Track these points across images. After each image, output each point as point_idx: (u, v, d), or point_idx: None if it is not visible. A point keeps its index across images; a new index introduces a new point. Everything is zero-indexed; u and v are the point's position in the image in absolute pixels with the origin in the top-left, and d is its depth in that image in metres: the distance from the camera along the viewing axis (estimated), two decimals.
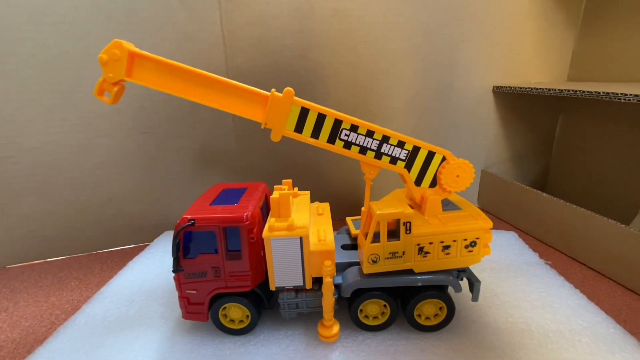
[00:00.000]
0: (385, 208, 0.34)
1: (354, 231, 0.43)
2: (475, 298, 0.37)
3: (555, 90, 0.57)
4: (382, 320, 0.38)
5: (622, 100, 0.45)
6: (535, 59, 0.73)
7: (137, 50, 0.32)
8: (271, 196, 0.37)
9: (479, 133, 0.75)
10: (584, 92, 0.51)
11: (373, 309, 0.37)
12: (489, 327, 0.38)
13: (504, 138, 0.77)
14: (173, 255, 0.34)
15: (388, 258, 0.34)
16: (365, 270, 0.35)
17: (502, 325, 0.38)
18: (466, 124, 0.74)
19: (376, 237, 0.34)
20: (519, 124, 0.76)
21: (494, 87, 0.71)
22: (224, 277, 0.35)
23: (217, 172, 0.67)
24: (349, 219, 0.46)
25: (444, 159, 0.37)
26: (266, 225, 0.35)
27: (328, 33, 0.61)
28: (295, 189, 0.44)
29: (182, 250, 0.35)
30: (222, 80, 0.33)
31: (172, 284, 0.43)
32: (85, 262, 0.61)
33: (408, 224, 0.34)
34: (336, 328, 0.36)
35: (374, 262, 0.34)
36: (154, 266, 0.53)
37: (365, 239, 0.34)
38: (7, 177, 0.57)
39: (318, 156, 0.58)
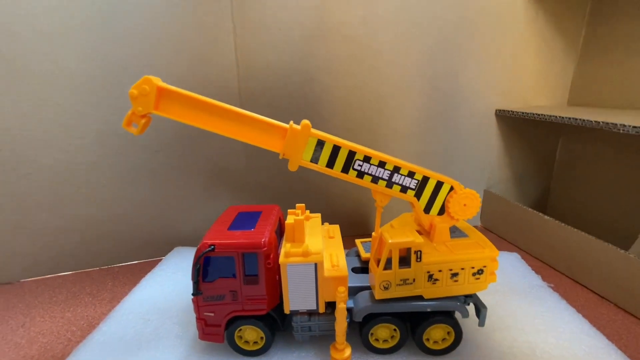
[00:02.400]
0: (397, 237, 0.35)
1: (364, 254, 0.44)
2: (481, 323, 0.38)
3: (555, 117, 0.59)
4: (392, 343, 0.39)
5: (622, 132, 0.47)
6: (536, 83, 0.75)
7: (165, 85, 0.34)
8: (286, 221, 0.39)
9: (482, 154, 0.77)
10: (583, 120, 0.53)
11: (383, 333, 0.39)
12: (494, 351, 0.39)
13: (506, 159, 0.79)
14: (193, 279, 0.36)
15: (399, 285, 0.36)
16: (377, 296, 0.36)
17: (506, 349, 0.40)
18: (469, 146, 0.76)
19: (388, 264, 0.35)
20: (520, 145, 0.78)
21: (496, 110, 0.74)
22: (241, 300, 0.37)
23: (227, 190, 0.69)
24: (358, 242, 0.48)
25: (452, 188, 0.39)
26: (282, 251, 0.37)
27: (336, 58, 0.64)
28: (307, 211, 0.46)
29: (202, 274, 0.36)
30: (243, 113, 0.35)
31: (186, 302, 0.44)
32: (97, 276, 0.62)
33: (419, 253, 0.35)
34: (348, 351, 0.37)
35: (386, 288, 0.36)
36: (166, 283, 0.54)
37: (377, 266, 0.36)
38: (24, 193, 0.58)
39: (326, 175, 0.61)
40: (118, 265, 0.66)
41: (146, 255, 0.67)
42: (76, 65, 0.55)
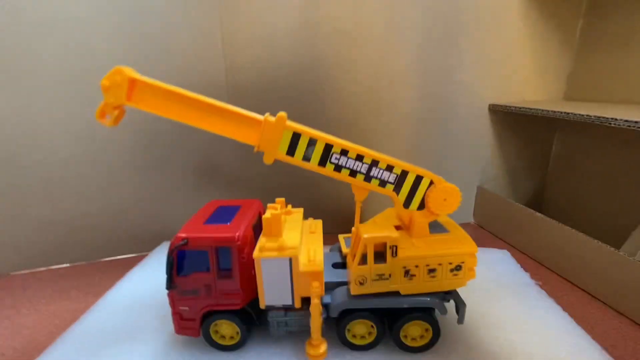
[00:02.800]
0: (372, 231, 0.35)
1: (344, 249, 0.44)
2: (460, 321, 0.37)
3: (548, 111, 0.58)
4: (369, 340, 0.38)
5: (613, 125, 0.46)
6: (532, 77, 0.73)
7: (137, 76, 0.33)
8: (263, 216, 0.38)
9: (475, 150, 0.76)
10: (575, 114, 0.51)
11: (360, 329, 0.38)
12: (474, 349, 0.39)
13: (500, 155, 0.77)
14: (167, 272, 0.36)
15: (375, 280, 0.35)
16: (353, 292, 0.36)
17: (487, 347, 0.39)
18: (462, 141, 0.75)
19: (363, 259, 0.35)
20: (515, 141, 0.76)
21: (490, 105, 0.72)
22: (216, 295, 0.36)
23: (215, 184, 0.68)
24: (341, 237, 0.47)
25: (431, 182, 0.38)
26: (257, 246, 0.36)
27: (326, 52, 0.63)
28: (289, 206, 0.45)
29: (176, 268, 0.36)
30: (216, 104, 0.35)
31: (167, 297, 0.44)
32: (86, 270, 0.62)
33: (394, 248, 0.34)
34: (323, 347, 0.37)
35: (362, 283, 0.35)
36: (150, 278, 0.54)
37: (353, 261, 0.35)
38: (14, 187, 0.59)
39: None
40: (107, 259, 0.66)
41: (135, 250, 0.67)
42: (65, 61, 0.56)
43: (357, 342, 0.38)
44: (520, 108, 0.64)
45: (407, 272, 0.35)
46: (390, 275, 0.35)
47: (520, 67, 0.73)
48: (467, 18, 0.67)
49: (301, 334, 0.40)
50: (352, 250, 0.37)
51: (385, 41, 0.65)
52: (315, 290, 0.35)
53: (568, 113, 0.54)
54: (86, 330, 0.43)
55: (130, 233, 0.66)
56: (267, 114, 0.35)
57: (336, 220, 0.70)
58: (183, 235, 0.35)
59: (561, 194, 0.78)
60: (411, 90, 0.69)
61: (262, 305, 0.37)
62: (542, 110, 0.59)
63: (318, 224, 0.47)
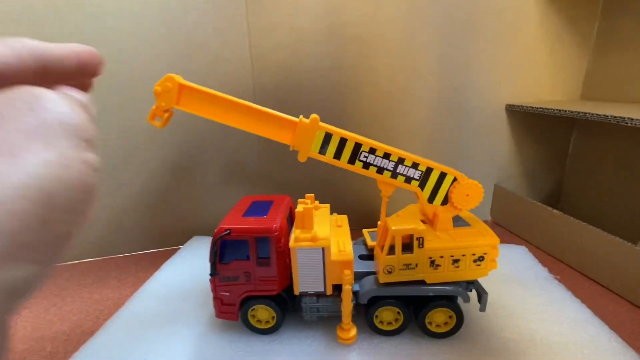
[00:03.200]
0: (399, 224, 0.37)
1: (370, 242, 0.47)
2: (482, 308, 0.40)
3: (565, 111, 0.59)
4: (395, 326, 0.41)
5: (629, 125, 0.47)
6: (548, 77, 0.75)
7: (186, 82, 0.37)
8: (296, 209, 0.41)
9: (492, 149, 0.78)
10: (592, 114, 0.53)
11: (388, 316, 0.41)
12: (495, 336, 0.41)
13: (517, 154, 0.79)
14: (211, 260, 0.39)
15: (402, 269, 0.38)
16: (381, 280, 0.38)
17: (508, 335, 0.41)
18: (480, 140, 0.76)
19: (391, 250, 0.37)
20: (532, 140, 0.78)
21: (507, 105, 0.74)
22: (254, 281, 0.40)
23: (241, 182, 0.72)
24: (365, 231, 0.50)
25: (455, 179, 0.40)
26: (292, 236, 0.39)
27: (348, 55, 0.66)
28: (316, 201, 0.48)
29: (219, 256, 0.39)
30: (256, 108, 0.38)
31: (202, 285, 0.47)
32: (122, 263, 0.67)
33: (421, 239, 0.37)
34: (353, 331, 0.40)
35: (389, 272, 0.38)
36: (185, 269, 0.58)
37: (382, 252, 0.38)
38: None
39: (335, 169, 0.64)
40: (141, 253, 0.70)
41: (167, 244, 0.71)
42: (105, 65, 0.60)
43: (385, 327, 0.41)
44: (537, 108, 0.66)
45: (432, 262, 0.38)
46: (416, 265, 0.38)
47: (537, 68, 0.74)
48: (483, 20, 0.69)
49: (331, 320, 0.43)
50: (380, 242, 0.40)
51: (404, 44, 0.68)
52: (347, 278, 0.37)
53: (585, 113, 0.55)
54: (130, 316, 0.47)
55: (162, 228, 0.70)
56: (301, 116, 0.38)
57: (356, 216, 0.73)
58: (226, 226, 0.39)
59: (578, 192, 0.78)
60: (428, 92, 0.71)
61: (296, 292, 0.40)
62: (559, 110, 0.60)
63: (344, 219, 0.50)
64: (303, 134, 0.38)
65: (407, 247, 0.38)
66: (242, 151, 0.70)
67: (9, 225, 0.12)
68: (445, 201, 0.41)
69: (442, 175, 0.40)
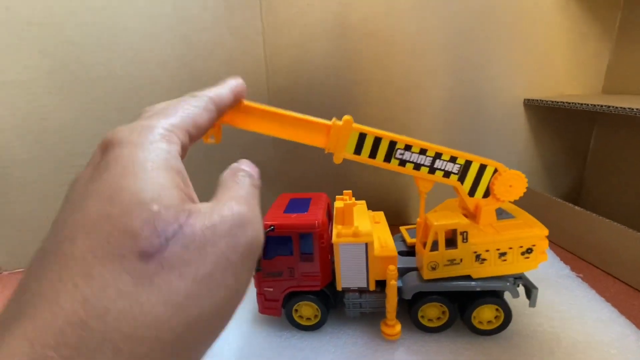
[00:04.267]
0: (442, 219, 0.37)
1: (409, 239, 0.46)
2: (532, 304, 0.38)
3: (587, 105, 0.55)
4: (440, 322, 0.40)
5: None
6: (569, 70, 0.71)
7: None
8: (336, 205, 0.42)
9: (509, 145, 0.74)
10: (616, 107, 0.50)
11: (432, 312, 0.40)
12: (519, 334, 0.39)
13: (535, 149, 0.75)
14: (259, 257, 0.40)
15: (446, 265, 0.38)
16: (425, 276, 0.38)
17: (531, 333, 0.40)
18: (497, 136, 0.74)
19: (434, 246, 0.37)
20: (551, 135, 0.74)
21: (524, 99, 0.71)
22: (297, 276, 0.40)
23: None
24: (402, 228, 0.50)
25: (496, 170, 0.40)
26: (334, 232, 0.40)
27: (360, 53, 0.66)
28: (353, 198, 0.48)
29: (263, 252, 0.40)
30: (290, 115, 0.38)
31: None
32: None
33: (465, 234, 0.37)
34: (398, 327, 0.39)
35: (434, 268, 0.38)
36: None
37: (424, 248, 0.38)
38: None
39: (350, 164, 0.67)
40: None
41: None
42: (121, 68, 0.61)
43: (429, 324, 0.40)
44: (556, 102, 0.62)
45: (478, 257, 0.37)
46: (461, 260, 0.37)
47: (557, 61, 0.71)
48: (499, 12, 0.66)
49: (373, 316, 0.43)
50: (422, 238, 0.40)
51: (417, 40, 0.67)
52: (392, 273, 0.37)
53: (609, 106, 0.52)
54: None
55: None
56: (334, 119, 0.38)
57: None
58: (270, 222, 0.40)
59: (600, 188, 0.74)
60: (442, 88, 0.70)
61: (339, 287, 0.41)
62: (579, 104, 0.57)
63: (381, 215, 0.50)
64: (337, 136, 0.38)
65: (451, 242, 0.38)
66: (256, 148, 0.70)
67: None
68: (487, 193, 0.40)
69: (482, 168, 0.39)
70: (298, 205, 0.44)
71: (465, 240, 0.37)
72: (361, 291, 0.41)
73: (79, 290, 0.13)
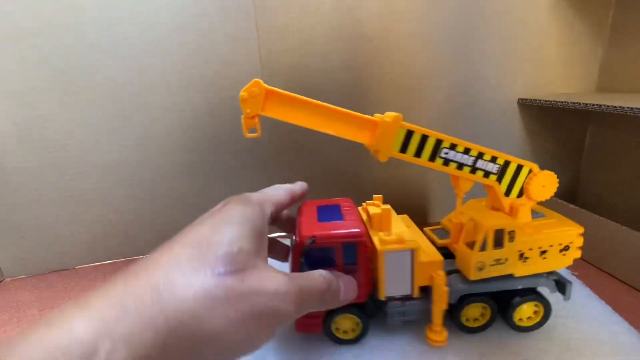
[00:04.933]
0: (490, 219, 0.37)
1: (438, 241, 0.46)
2: (568, 297, 0.40)
3: (579, 104, 0.58)
4: (482, 321, 0.40)
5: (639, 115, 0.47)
6: (562, 69, 0.76)
7: (272, 88, 0.35)
8: (371, 211, 0.40)
9: (505, 144, 0.79)
10: (607, 106, 0.52)
11: (474, 313, 0.40)
12: (510, 332, 0.40)
13: (531, 148, 0.80)
14: (295, 272, 0.37)
15: (492, 265, 0.37)
16: (472, 277, 0.38)
17: (524, 332, 0.40)
18: (492, 136, 0.77)
19: (482, 246, 0.37)
20: (546, 134, 0.79)
21: (519, 99, 0.75)
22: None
23: (253, 183, 0.70)
24: (427, 230, 0.49)
25: (530, 170, 0.40)
26: (376, 239, 0.38)
27: (355, 55, 0.67)
28: (380, 202, 0.47)
29: (302, 266, 0.37)
30: (335, 109, 0.36)
31: None
32: None
33: (513, 233, 0.37)
34: (445, 333, 0.39)
35: (480, 269, 0.37)
36: None
37: (471, 249, 0.37)
38: (79, 190, 0.61)
39: (357, 166, 0.65)
40: None
41: None
42: (119, 75, 0.59)
43: (472, 324, 0.40)
44: (550, 101, 0.65)
45: (521, 255, 0.38)
46: (506, 260, 0.37)
47: (551, 60, 0.75)
48: (493, 15, 0.69)
49: (415, 323, 0.41)
50: (465, 239, 0.39)
51: (412, 42, 0.68)
52: (441, 279, 0.36)
53: (600, 105, 0.54)
54: None
55: (178, 230, 0.69)
56: (381, 115, 0.37)
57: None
58: (310, 234, 0.36)
59: (596, 186, 0.79)
60: (438, 89, 0.72)
61: (382, 297, 0.39)
62: (572, 103, 0.60)
63: (408, 219, 0.48)
64: (384, 133, 0.36)
65: (496, 241, 0.38)
66: (253, 153, 0.69)
67: None
68: (521, 193, 0.41)
69: (519, 168, 0.40)
70: (329, 212, 0.42)
71: (512, 240, 0.37)
72: (404, 299, 0.39)
73: (153, 279, 0.20)
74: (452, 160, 0.38)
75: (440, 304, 0.37)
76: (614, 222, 0.54)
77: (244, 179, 0.71)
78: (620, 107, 0.51)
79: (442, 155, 0.38)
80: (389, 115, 0.37)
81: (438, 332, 0.38)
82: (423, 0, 0.66)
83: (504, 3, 0.69)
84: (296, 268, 0.37)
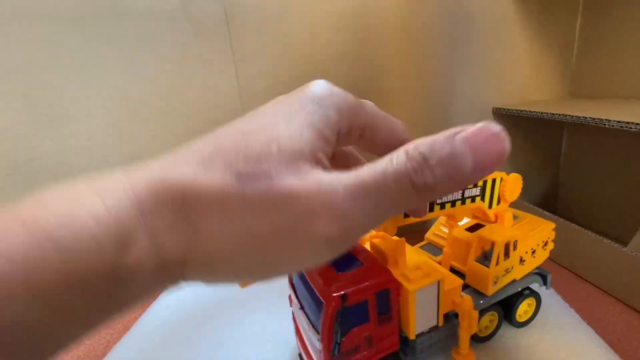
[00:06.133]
0: (499, 235, 0.38)
1: (435, 259, 0.45)
2: (549, 287, 0.44)
3: (553, 114, 0.58)
4: (491, 328, 0.42)
5: (607, 126, 0.49)
6: (535, 77, 0.76)
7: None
8: (382, 246, 0.37)
9: None
10: (572, 116, 0.54)
11: (483, 322, 0.41)
12: (472, 344, 0.39)
13: (508, 157, 0.83)
14: (327, 341, 0.31)
15: (503, 275, 0.39)
16: (490, 292, 0.38)
17: (488, 342, 0.42)
18: None
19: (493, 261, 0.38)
20: (522, 142, 0.78)
21: (493, 108, 0.74)
22: (377, 343, 0.33)
23: None
24: (417, 247, 0.49)
25: (502, 178, 0.43)
26: (400, 278, 0.35)
27: (330, 74, 0.65)
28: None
29: (335, 331, 0.31)
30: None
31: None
32: None
33: (516, 242, 0.39)
34: (473, 353, 0.39)
35: (495, 283, 0.38)
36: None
37: (487, 264, 0.38)
38: None
39: None
40: None
41: None
42: (101, 105, 0.56)
43: (484, 333, 0.42)
44: (522, 111, 0.64)
45: (521, 260, 0.40)
46: (512, 267, 0.39)
47: (523, 69, 0.75)
48: (464, 27, 0.70)
49: (438, 350, 0.40)
50: (473, 255, 0.39)
51: (385, 57, 0.68)
52: (469, 303, 0.36)
53: (572, 116, 0.54)
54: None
55: None
56: None
57: None
58: (338, 293, 0.31)
59: (575, 192, 0.75)
60: (413, 103, 0.71)
61: (412, 336, 0.36)
62: (544, 114, 0.59)
63: (404, 242, 0.47)
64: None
65: (486, 255, 0.39)
66: None
67: None
68: (498, 201, 0.44)
69: (493, 182, 0.42)
70: (342, 259, 0.37)
71: (515, 249, 0.39)
72: (431, 330, 0.38)
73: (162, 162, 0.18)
74: (446, 202, 0.37)
75: (469, 328, 0.37)
76: (591, 231, 0.55)
77: None
78: (583, 117, 0.52)
79: (437, 201, 0.36)
80: None
81: (466, 354, 0.38)
82: (395, 15, 0.65)
83: (472, 16, 0.70)
84: (330, 339, 0.31)
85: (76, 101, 0.55)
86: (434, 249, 0.47)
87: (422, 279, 0.35)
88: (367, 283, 0.32)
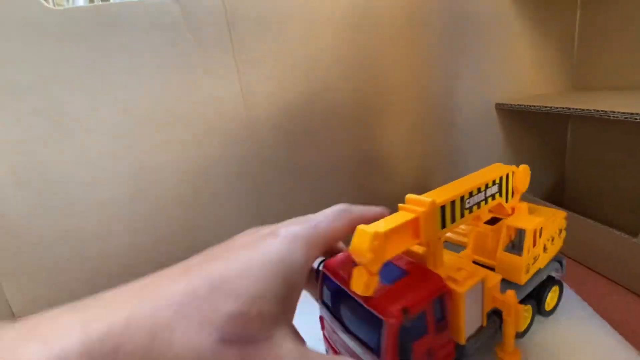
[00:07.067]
0: (528, 222, 0.38)
1: (460, 255, 0.45)
2: (564, 271, 0.46)
3: (556, 108, 0.57)
4: (528, 320, 0.42)
5: (612, 118, 0.48)
6: (537, 71, 0.74)
7: (387, 228, 0.28)
8: (420, 250, 0.35)
9: (487, 150, 0.76)
10: (576, 109, 0.54)
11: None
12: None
13: (513, 152, 0.77)
14: (402, 358, 0.28)
15: (532, 264, 0.39)
16: (523, 282, 0.38)
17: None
18: (472, 142, 0.74)
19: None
20: (526, 136, 0.77)
21: (496, 104, 0.73)
22: (436, 355, 0.31)
23: (255, 205, 0.64)
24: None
25: (513, 172, 0.44)
26: (446, 281, 0.33)
27: (329, 79, 0.65)
28: None
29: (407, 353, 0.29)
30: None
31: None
32: None
33: (541, 230, 0.39)
34: (519, 351, 0.38)
35: (527, 271, 0.39)
36: None
37: (518, 254, 0.38)
38: (79, 226, 0.55)
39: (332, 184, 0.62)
40: None
41: None
42: (108, 116, 0.54)
43: (521, 328, 0.41)
44: (524, 106, 0.63)
45: (545, 247, 0.41)
46: (539, 255, 0.40)
47: (523, 63, 0.74)
48: (463, 23, 0.70)
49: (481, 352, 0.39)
50: (502, 245, 0.39)
51: (384, 60, 0.67)
52: (514, 299, 0.35)
53: (576, 109, 0.53)
54: None
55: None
56: (416, 208, 0.32)
57: None
58: (397, 307, 0.28)
59: (581, 184, 0.73)
60: (415, 104, 0.70)
61: (463, 341, 0.34)
62: (547, 107, 0.58)
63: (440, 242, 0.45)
64: (429, 222, 0.32)
65: (512, 244, 0.40)
66: (253, 178, 0.64)
67: None
68: (513, 193, 0.44)
69: (507, 177, 0.43)
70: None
71: (540, 236, 0.40)
72: (478, 331, 0.37)
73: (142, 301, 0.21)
74: (473, 205, 0.37)
75: (516, 325, 0.36)
76: (600, 223, 0.54)
77: (236, 204, 0.65)
78: (587, 109, 0.51)
79: (467, 206, 0.36)
80: (422, 202, 0.32)
81: (513, 352, 0.37)
82: (396, 15, 0.65)
83: (470, 12, 0.70)
84: (394, 358, 0.28)
85: (84, 115, 0.53)
86: (451, 246, 0.46)
87: (469, 279, 0.33)
88: (424, 291, 0.30)
